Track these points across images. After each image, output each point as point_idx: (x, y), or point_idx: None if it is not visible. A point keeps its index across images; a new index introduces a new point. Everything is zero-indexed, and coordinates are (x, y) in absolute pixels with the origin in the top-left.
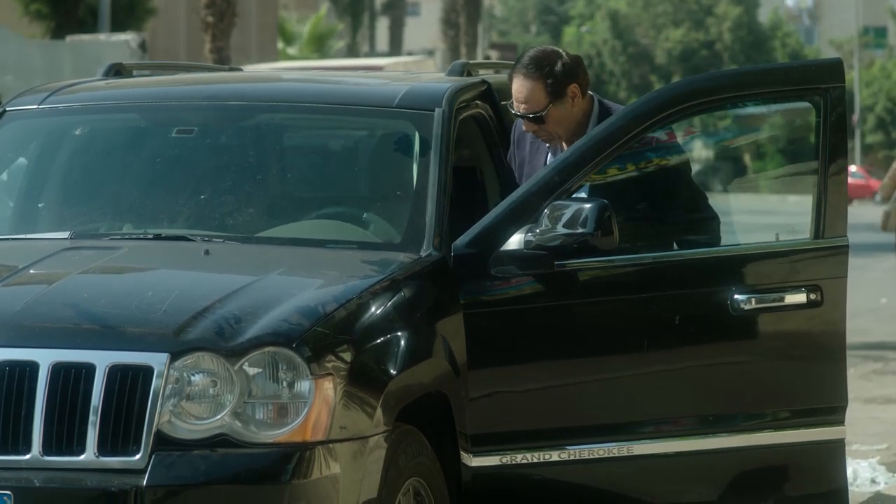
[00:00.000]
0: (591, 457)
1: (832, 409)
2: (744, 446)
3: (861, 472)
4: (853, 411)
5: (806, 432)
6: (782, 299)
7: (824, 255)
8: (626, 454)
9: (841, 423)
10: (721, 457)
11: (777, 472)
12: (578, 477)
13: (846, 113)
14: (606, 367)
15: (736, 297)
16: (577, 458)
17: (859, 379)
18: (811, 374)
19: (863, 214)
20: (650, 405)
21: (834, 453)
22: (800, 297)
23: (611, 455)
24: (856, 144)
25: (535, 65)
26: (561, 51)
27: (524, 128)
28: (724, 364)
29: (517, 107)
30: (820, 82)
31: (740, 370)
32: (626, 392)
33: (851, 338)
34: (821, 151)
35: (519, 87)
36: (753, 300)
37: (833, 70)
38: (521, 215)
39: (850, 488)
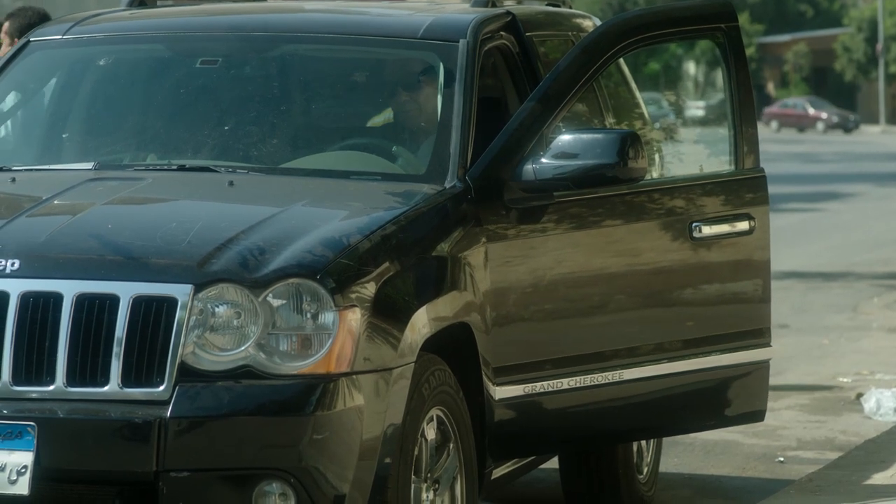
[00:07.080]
0: (593, 384)
1: (762, 331)
2: (690, 370)
3: (884, 402)
4: (877, 341)
5: (741, 355)
6: (732, 227)
7: (748, 185)
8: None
9: (769, 344)
10: (670, 380)
11: (717, 394)
12: (600, 403)
13: (744, 49)
14: (598, 296)
15: (693, 224)
16: (582, 385)
17: (883, 308)
18: (745, 299)
19: (886, 143)
20: (643, 332)
21: (763, 373)
22: (743, 225)
23: (605, 381)
24: (880, 74)
25: None
26: None
27: None
28: (683, 291)
29: None
30: (717, 21)
31: (696, 296)
32: (611, 321)
33: (875, 267)
34: (728, 87)
35: None
36: (703, 228)
37: (724, 9)
38: (517, 144)
39: (873, 418)
